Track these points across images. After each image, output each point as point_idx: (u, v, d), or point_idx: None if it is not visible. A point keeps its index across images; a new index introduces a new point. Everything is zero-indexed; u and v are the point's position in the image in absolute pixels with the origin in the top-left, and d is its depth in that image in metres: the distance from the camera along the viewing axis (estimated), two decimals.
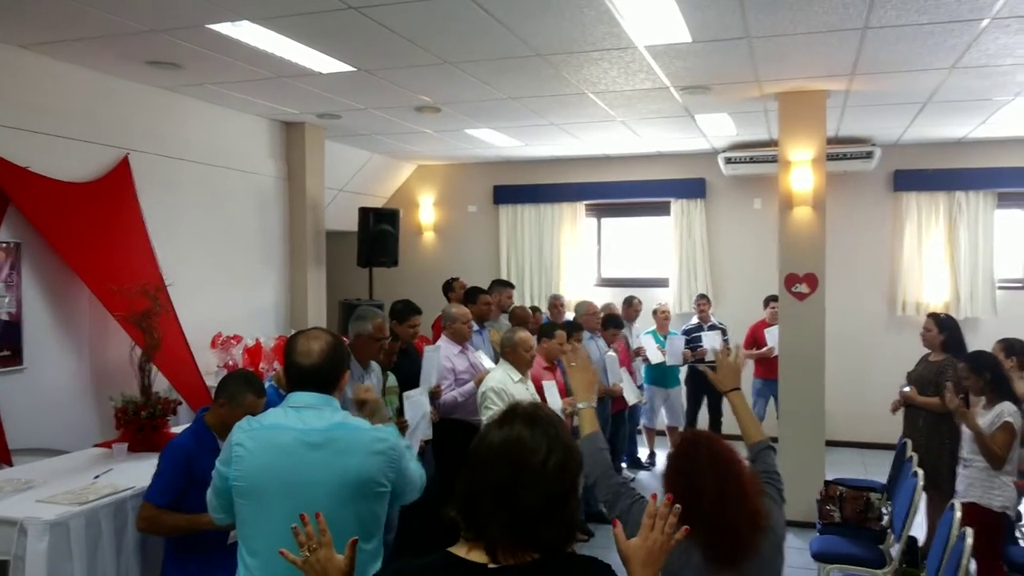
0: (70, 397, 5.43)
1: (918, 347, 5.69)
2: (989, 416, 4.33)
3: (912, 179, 8.82)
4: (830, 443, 6.94)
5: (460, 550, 1.63)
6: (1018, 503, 4.36)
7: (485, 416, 4.66)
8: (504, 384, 4.84)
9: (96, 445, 4.77)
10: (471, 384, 5.28)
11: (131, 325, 4.95)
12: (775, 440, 6.87)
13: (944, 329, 5.41)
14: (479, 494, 1.61)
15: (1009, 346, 5.10)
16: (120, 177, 5.88)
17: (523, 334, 5.06)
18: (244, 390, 3.38)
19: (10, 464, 4.67)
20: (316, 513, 1.88)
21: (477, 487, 1.62)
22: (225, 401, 3.37)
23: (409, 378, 4.84)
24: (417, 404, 4.54)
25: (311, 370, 2.39)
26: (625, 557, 1.79)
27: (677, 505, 1.81)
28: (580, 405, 2.84)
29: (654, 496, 1.85)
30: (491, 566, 1.57)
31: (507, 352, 5.03)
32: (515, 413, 1.71)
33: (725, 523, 2.19)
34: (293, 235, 7.97)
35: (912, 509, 4.30)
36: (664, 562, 2.08)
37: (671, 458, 2.38)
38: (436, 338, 5.97)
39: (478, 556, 1.59)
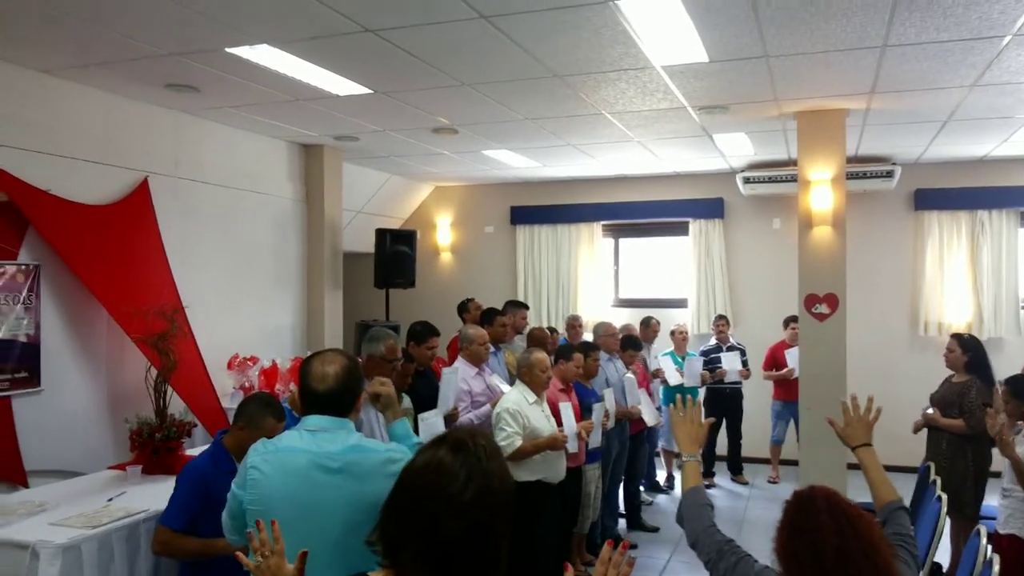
0: (87, 419, 5.44)
1: (941, 368, 5.60)
2: None
3: (933, 198, 8.73)
4: (851, 466, 6.81)
5: (378, 574, 1.57)
6: None
7: (499, 438, 4.61)
8: (519, 405, 4.79)
9: (110, 467, 4.76)
10: (487, 407, 5.23)
11: (148, 347, 4.95)
12: (795, 463, 6.82)
13: (968, 350, 5.32)
14: (395, 518, 1.56)
15: None
16: (139, 200, 5.92)
17: (539, 355, 5.01)
18: (264, 413, 3.36)
19: (26, 485, 4.67)
20: (272, 520, 1.93)
21: (394, 510, 1.57)
22: (244, 424, 3.34)
23: (425, 400, 4.80)
24: (432, 426, 4.50)
25: (326, 395, 2.37)
26: None
27: (632, 555, 1.73)
28: (685, 458, 2.73)
29: (610, 542, 1.74)
30: None
31: (523, 373, 4.99)
32: (446, 437, 1.63)
33: None
34: (310, 257, 7.99)
35: (936, 534, 4.19)
36: None
37: (786, 514, 2.17)
38: (452, 359, 5.93)
39: None
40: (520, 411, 4.75)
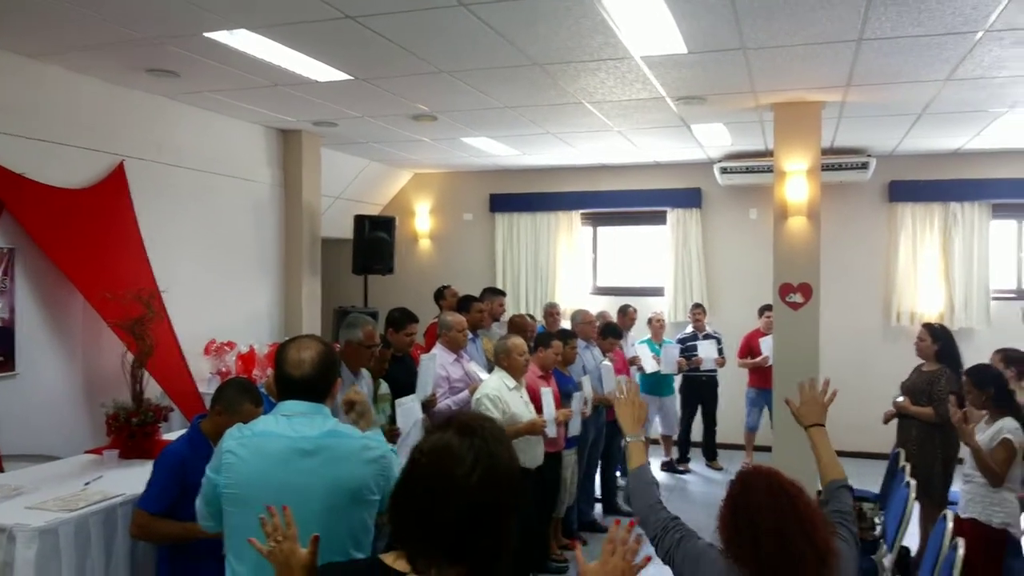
0: (62, 403, 5.41)
1: (912, 357, 5.68)
2: (989, 432, 4.25)
3: (907, 190, 8.84)
4: None
5: (389, 557, 1.60)
6: (1020, 519, 4.30)
7: None
8: (499, 391, 4.83)
9: (87, 451, 4.75)
10: (465, 393, 5.26)
11: (124, 331, 4.93)
12: (768, 449, 6.91)
13: (938, 339, 5.40)
14: (404, 501, 1.58)
15: (1008, 356, 5.08)
16: (115, 184, 5.88)
17: (516, 339, 5.05)
18: (242, 399, 3.35)
19: (1, 470, 4.64)
20: (284, 506, 1.94)
21: (403, 493, 1.59)
22: (222, 409, 3.33)
23: (403, 386, 4.82)
24: (410, 411, 4.53)
25: (302, 380, 2.37)
26: None
27: (638, 530, 1.78)
28: (628, 439, 2.80)
29: (617, 521, 1.82)
30: None
31: (501, 359, 5.02)
32: (453, 420, 1.66)
33: (784, 558, 2.07)
34: (288, 242, 7.97)
35: (905, 519, 4.29)
36: (701, 566, 2.03)
37: (729, 493, 2.27)
38: (429, 346, 5.95)
39: (403, 565, 1.56)
40: (500, 397, 4.79)
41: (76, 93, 5.59)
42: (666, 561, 2.40)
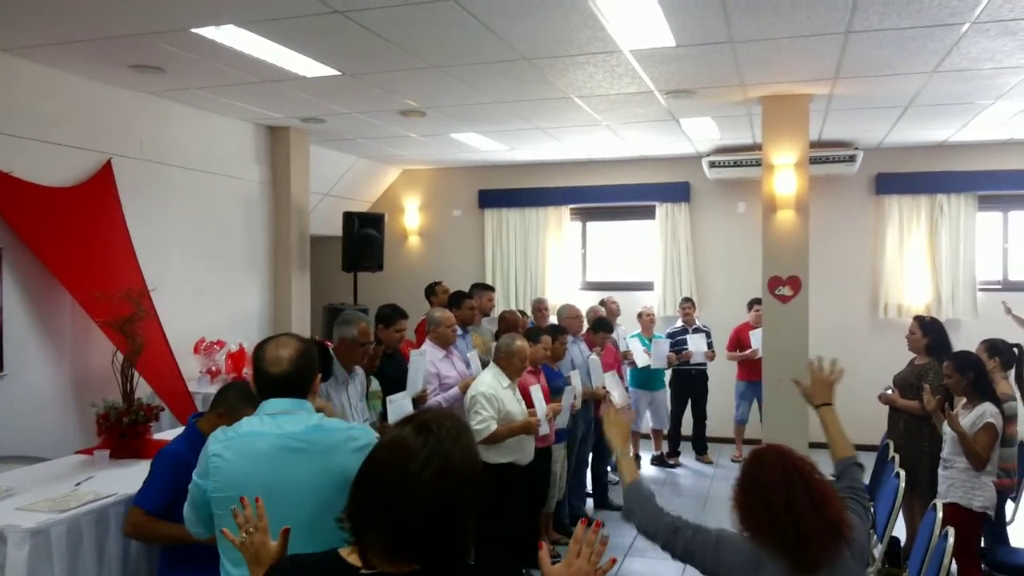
0: (51, 404, 5.38)
1: (900, 349, 5.72)
2: (971, 417, 4.36)
3: (894, 182, 8.89)
4: (813, 445, 6.95)
5: (345, 550, 1.60)
6: (997, 503, 4.38)
7: (474, 421, 4.65)
8: (495, 390, 4.83)
9: (78, 452, 4.72)
10: (456, 389, 5.26)
11: (113, 331, 4.90)
12: (758, 442, 6.94)
13: (928, 332, 5.42)
14: (359, 496, 1.59)
15: (992, 346, 5.14)
16: (102, 182, 5.84)
17: (522, 343, 5.05)
18: (244, 404, 3.19)
19: None
20: (256, 498, 1.99)
21: (359, 486, 1.60)
22: (224, 412, 3.27)
23: (393, 382, 4.82)
24: (400, 408, 4.53)
25: (282, 378, 2.37)
26: None
27: (605, 532, 1.79)
28: (619, 456, 2.88)
29: (583, 521, 1.83)
30: (363, 571, 1.54)
31: (502, 358, 5.02)
32: (414, 418, 1.66)
33: (804, 532, 2.18)
34: (277, 240, 7.93)
35: (895, 510, 4.32)
36: (733, 550, 2.13)
37: (744, 469, 2.37)
38: (420, 342, 5.94)
39: (357, 559, 1.56)
40: (496, 395, 4.79)
41: (61, 90, 5.55)
42: (686, 559, 2.45)
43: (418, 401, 4.89)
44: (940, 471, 4.52)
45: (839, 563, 2.22)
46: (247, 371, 6.51)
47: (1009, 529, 4.86)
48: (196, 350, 6.57)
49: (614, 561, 1.77)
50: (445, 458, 1.56)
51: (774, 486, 2.23)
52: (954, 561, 4.07)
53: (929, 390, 4.49)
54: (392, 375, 4.89)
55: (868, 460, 5.89)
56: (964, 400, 4.52)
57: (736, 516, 2.32)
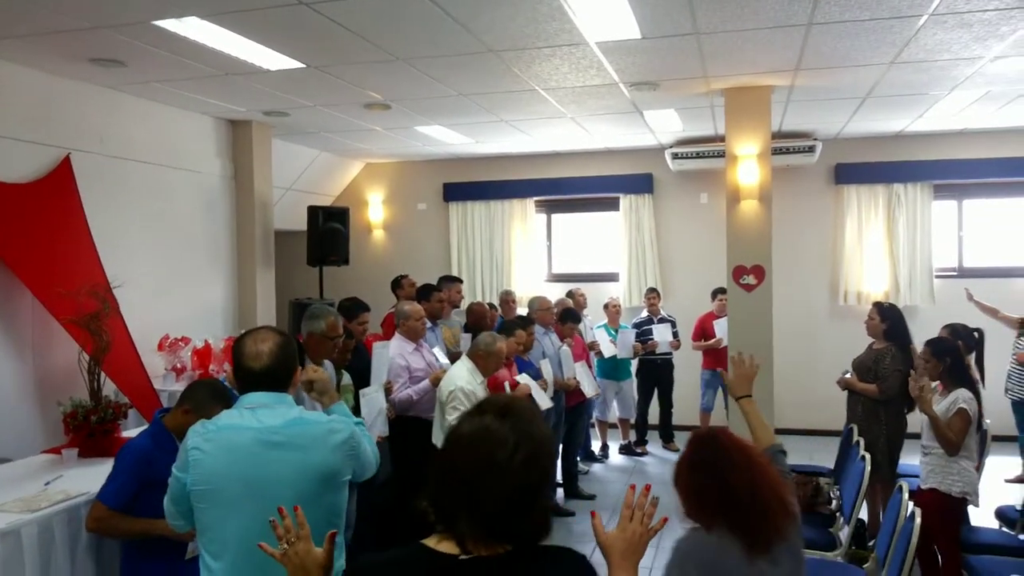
0: (13, 404, 5.28)
1: (860, 336, 5.83)
2: (945, 403, 4.41)
3: (852, 172, 9.05)
4: (777, 431, 7.06)
5: (431, 541, 1.62)
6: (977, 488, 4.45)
7: (452, 417, 4.66)
8: (472, 386, 4.87)
9: (44, 451, 4.65)
10: (426, 382, 5.27)
11: (78, 328, 4.82)
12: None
13: (886, 318, 5.54)
14: (447, 486, 1.61)
15: (954, 331, 5.28)
16: (61, 177, 5.73)
17: (502, 345, 5.11)
18: (214, 403, 3.16)
19: None
20: (295, 507, 1.91)
21: (445, 478, 1.62)
22: (190, 409, 3.23)
23: (360, 376, 4.82)
24: (373, 401, 4.53)
25: (262, 372, 2.36)
26: (604, 549, 1.78)
27: (656, 495, 1.82)
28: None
29: (632, 487, 1.85)
30: (461, 557, 1.57)
31: (479, 356, 5.05)
32: (488, 404, 1.69)
33: (760, 510, 2.18)
34: (241, 235, 7.85)
35: (861, 493, 4.41)
36: (696, 558, 2.10)
37: (690, 457, 2.31)
38: (388, 336, 5.93)
39: (449, 547, 1.59)
40: (474, 392, 4.82)
41: (18, 84, 5.43)
42: None
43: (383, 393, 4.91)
44: (920, 458, 4.57)
45: (789, 540, 2.24)
46: (213, 367, 6.45)
47: (969, 508, 4.98)
48: (160, 347, 6.48)
49: (666, 520, 1.81)
50: (532, 442, 1.61)
51: (736, 468, 2.21)
52: (933, 544, 4.22)
53: (915, 376, 4.52)
54: (357, 368, 4.88)
55: (832, 444, 6.05)
56: (938, 387, 4.58)
57: (685, 502, 2.27)
